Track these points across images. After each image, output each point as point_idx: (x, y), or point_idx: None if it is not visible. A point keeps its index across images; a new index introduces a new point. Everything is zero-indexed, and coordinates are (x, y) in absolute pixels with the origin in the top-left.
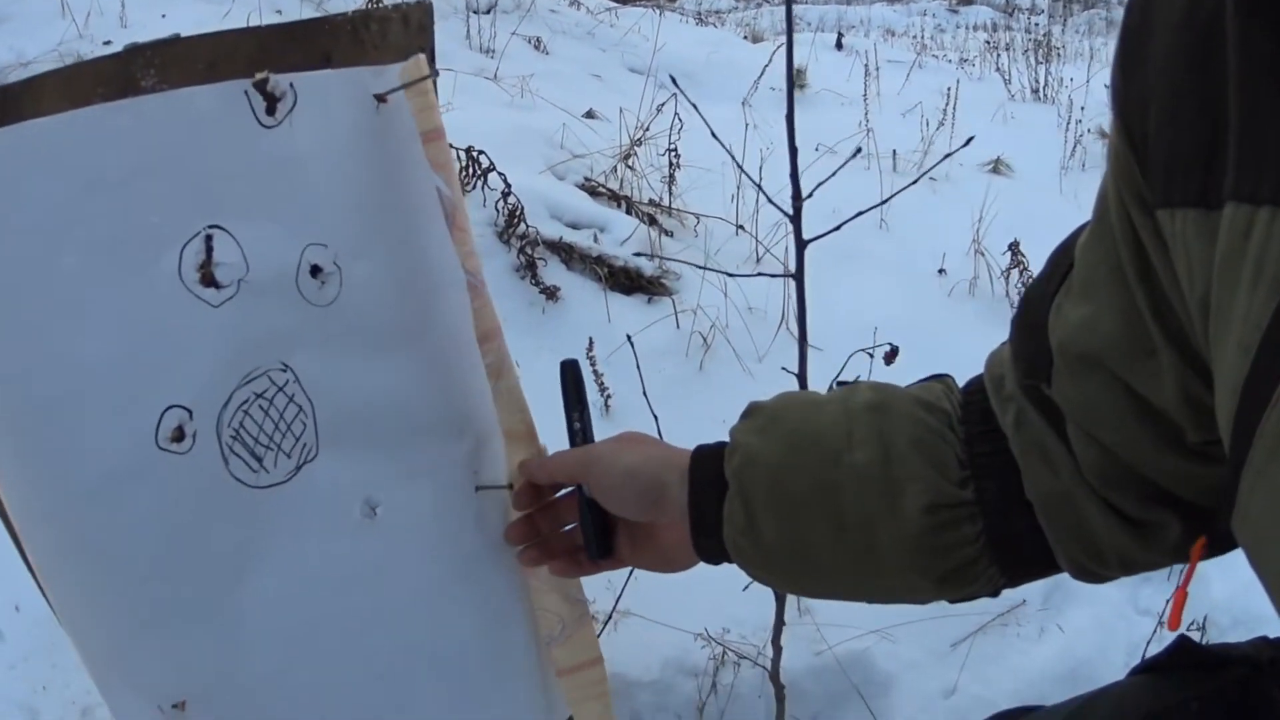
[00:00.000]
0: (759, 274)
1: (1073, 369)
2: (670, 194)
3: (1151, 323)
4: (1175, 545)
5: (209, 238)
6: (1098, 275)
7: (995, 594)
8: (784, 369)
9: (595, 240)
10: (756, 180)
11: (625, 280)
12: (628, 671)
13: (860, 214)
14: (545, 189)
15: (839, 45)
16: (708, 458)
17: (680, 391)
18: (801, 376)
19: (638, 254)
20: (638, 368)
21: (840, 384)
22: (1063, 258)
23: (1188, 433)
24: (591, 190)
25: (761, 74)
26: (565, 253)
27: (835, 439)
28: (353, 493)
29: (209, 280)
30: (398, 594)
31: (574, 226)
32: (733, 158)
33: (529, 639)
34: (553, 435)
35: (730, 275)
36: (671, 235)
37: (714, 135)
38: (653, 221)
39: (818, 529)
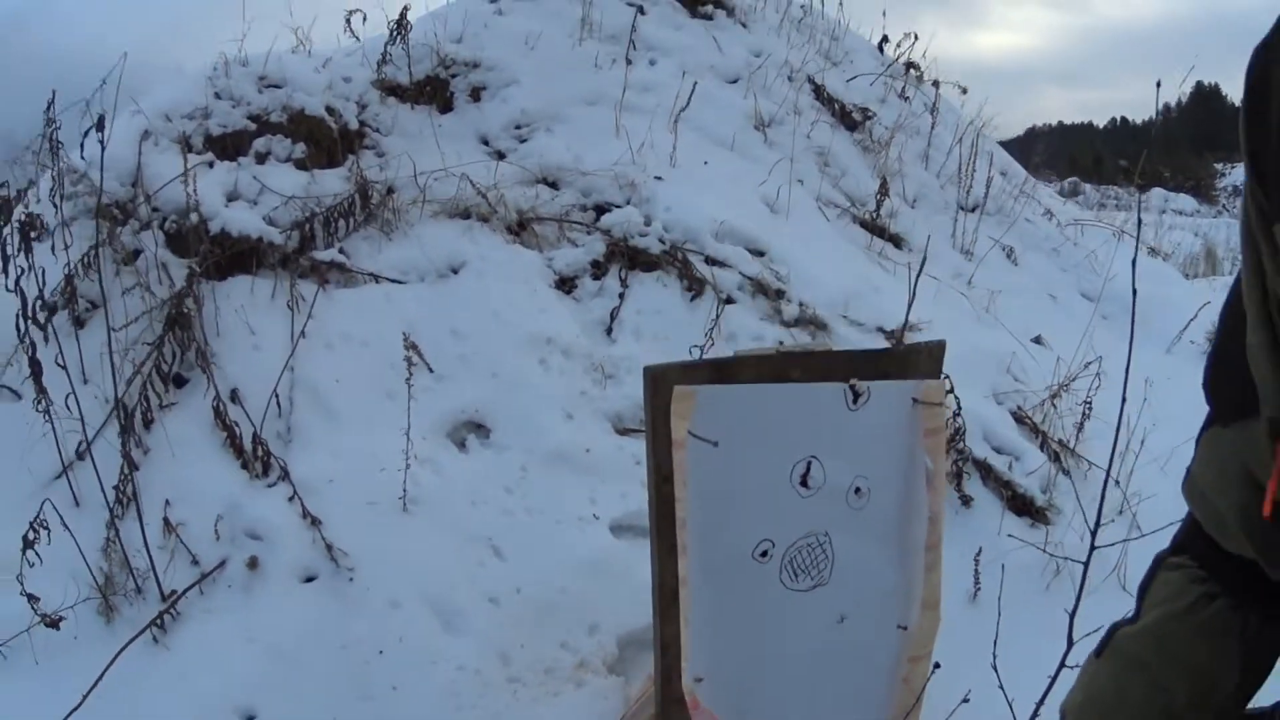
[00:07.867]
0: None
1: None
2: (1077, 439)
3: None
4: None
5: (809, 463)
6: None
7: None
8: None
9: (1009, 468)
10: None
11: (1020, 503)
12: None
13: None
14: (985, 414)
15: None
16: None
17: (1032, 606)
18: None
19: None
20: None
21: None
22: (1238, 307)
23: None
24: (1019, 419)
25: (1187, 325)
26: (984, 470)
27: None
28: (836, 608)
29: (804, 483)
30: (842, 661)
31: (998, 451)
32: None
33: (895, 681)
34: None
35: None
36: (1068, 475)
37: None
38: (1056, 459)
39: None
